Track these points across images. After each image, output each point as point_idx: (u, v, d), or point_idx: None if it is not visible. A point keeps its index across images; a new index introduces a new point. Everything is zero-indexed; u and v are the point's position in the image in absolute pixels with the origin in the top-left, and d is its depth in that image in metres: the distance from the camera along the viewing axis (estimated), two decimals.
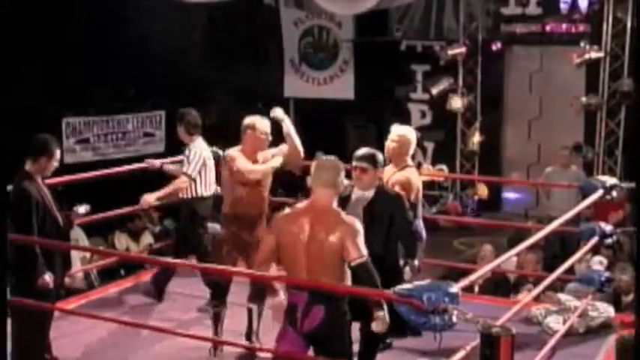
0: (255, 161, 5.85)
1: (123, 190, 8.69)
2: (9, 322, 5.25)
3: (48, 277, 5.16)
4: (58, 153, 5.33)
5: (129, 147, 12.14)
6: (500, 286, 7.90)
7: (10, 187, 5.16)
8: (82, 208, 5.55)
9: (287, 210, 4.72)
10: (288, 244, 4.42)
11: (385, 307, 4.33)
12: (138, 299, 7.00)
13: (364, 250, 4.35)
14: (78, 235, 9.45)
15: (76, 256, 8.85)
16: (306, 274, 4.37)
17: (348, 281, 4.43)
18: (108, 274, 8.81)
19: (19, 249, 5.16)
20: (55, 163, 5.34)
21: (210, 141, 8.04)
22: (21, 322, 5.18)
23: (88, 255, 9.11)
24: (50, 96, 10.68)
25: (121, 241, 10.04)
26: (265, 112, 6.33)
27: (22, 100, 10.09)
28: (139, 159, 9.25)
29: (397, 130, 5.95)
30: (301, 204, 4.59)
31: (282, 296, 4.38)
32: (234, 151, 5.90)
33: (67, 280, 8.47)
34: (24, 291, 5.13)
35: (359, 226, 4.40)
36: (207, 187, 6.69)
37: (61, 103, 11.08)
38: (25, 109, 9.93)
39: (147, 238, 10.13)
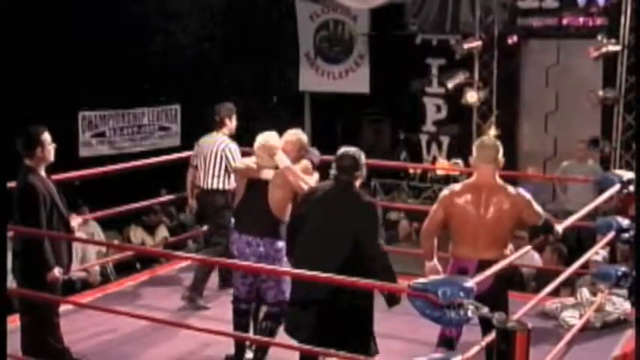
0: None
1: (138, 183, 8.76)
2: (17, 316, 5.31)
3: (57, 272, 5.14)
4: (47, 137, 5.21)
5: (145, 141, 12.19)
6: (513, 281, 7.87)
7: (13, 184, 5.12)
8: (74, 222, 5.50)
9: (452, 185, 5.10)
10: (461, 217, 4.91)
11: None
12: (154, 293, 7.02)
13: (542, 210, 4.98)
14: (94, 229, 9.50)
15: (92, 250, 8.91)
16: (479, 243, 4.86)
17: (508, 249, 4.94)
18: (124, 268, 8.85)
19: (27, 243, 5.16)
20: (51, 147, 5.23)
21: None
22: (31, 316, 5.20)
23: (104, 249, 9.15)
24: (66, 90, 10.73)
25: (137, 234, 10.08)
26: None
27: (39, 95, 10.15)
28: (155, 153, 9.29)
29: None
30: (465, 181, 5.06)
31: (435, 261, 4.99)
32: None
33: (83, 274, 8.59)
34: (33, 285, 5.12)
35: (528, 194, 4.97)
36: None
37: (77, 97, 11.13)
38: (42, 104, 9.99)
39: (162, 232, 10.16)
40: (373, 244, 4.67)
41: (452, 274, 4.92)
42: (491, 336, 3.82)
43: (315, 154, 5.72)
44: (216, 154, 6.78)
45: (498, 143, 5.07)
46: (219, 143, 6.80)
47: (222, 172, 6.76)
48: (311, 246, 4.75)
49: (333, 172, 4.90)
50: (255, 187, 5.51)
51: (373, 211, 4.75)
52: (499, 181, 4.98)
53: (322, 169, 5.58)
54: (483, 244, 4.88)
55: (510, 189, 4.98)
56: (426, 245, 5.10)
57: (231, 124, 6.91)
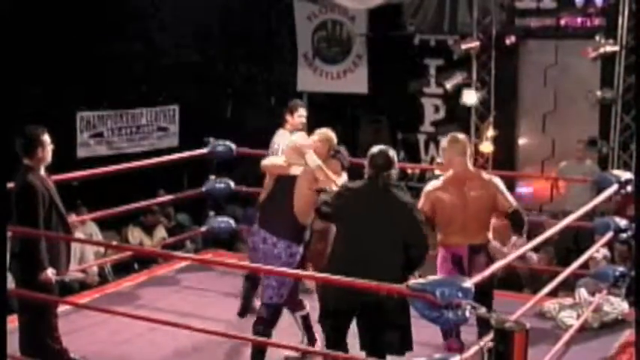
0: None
1: (137, 184, 8.75)
2: (16, 317, 5.30)
3: (50, 273, 5.13)
4: (47, 137, 5.23)
5: (143, 141, 12.18)
6: (511, 281, 7.88)
7: (12, 184, 5.12)
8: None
9: (433, 182, 5.36)
10: (446, 208, 5.16)
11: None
12: (152, 293, 7.02)
13: (513, 200, 5.27)
14: (92, 229, 9.50)
15: (90, 250, 8.90)
16: (467, 230, 5.16)
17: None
18: (122, 269, 8.85)
19: (25, 243, 5.14)
20: (50, 148, 5.25)
21: (224, 136, 8.08)
22: (28, 317, 5.19)
23: (102, 249, 9.14)
24: (64, 90, 10.72)
25: (135, 235, 10.07)
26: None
27: (37, 95, 10.15)
28: (153, 153, 9.28)
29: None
30: (444, 175, 5.30)
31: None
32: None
33: (81, 274, 8.59)
34: (30, 285, 5.12)
35: (499, 180, 5.29)
36: None
37: (75, 97, 11.13)
38: (40, 104, 9.98)
39: (160, 232, 10.15)
40: (423, 246, 4.73)
41: (446, 262, 5.20)
42: (490, 336, 3.83)
43: (344, 154, 5.65)
44: (270, 150, 6.80)
45: (466, 137, 5.45)
46: (274, 139, 6.80)
47: None
48: (356, 250, 4.66)
49: (367, 171, 4.83)
50: (283, 182, 5.36)
51: (418, 212, 4.83)
52: (472, 168, 5.33)
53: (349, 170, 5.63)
54: (471, 230, 5.18)
55: (484, 175, 5.34)
56: None
57: (294, 119, 6.81)
